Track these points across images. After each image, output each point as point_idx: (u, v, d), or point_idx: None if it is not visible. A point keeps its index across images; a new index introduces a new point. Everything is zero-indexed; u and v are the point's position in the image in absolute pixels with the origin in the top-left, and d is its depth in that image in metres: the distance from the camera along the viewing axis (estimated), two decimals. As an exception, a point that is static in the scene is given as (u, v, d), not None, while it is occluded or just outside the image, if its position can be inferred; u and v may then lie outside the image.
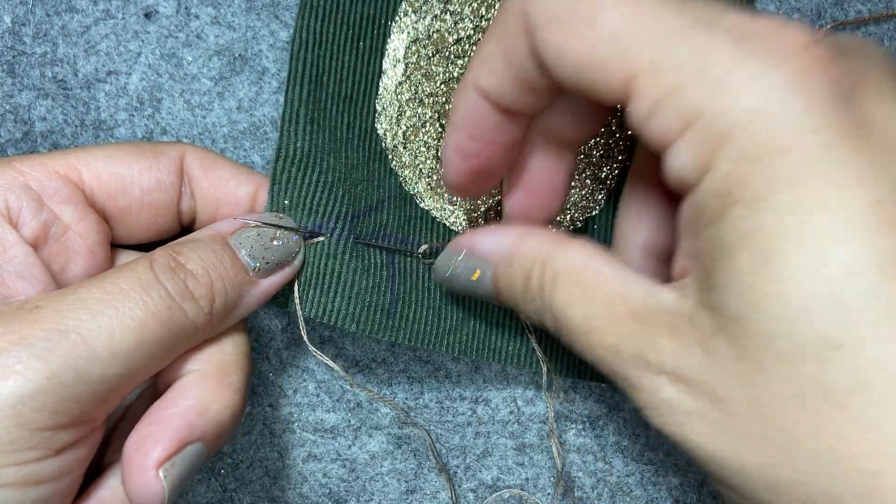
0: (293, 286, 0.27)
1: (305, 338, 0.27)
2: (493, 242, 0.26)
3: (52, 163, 0.24)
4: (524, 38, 0.22)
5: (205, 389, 0.24)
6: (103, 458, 0.25)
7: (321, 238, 0.27)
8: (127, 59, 0.30)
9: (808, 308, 0.18)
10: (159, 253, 0.24)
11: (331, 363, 0.27)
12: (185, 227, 0.27)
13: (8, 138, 0.30)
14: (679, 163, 0.20)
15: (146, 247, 0.27)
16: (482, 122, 0.24)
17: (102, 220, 0.25)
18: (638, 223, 0.26)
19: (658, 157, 0.21)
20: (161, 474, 0.22)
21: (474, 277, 0.26)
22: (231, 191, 0.27)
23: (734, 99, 0.18)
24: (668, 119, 0.19)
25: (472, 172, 0.26)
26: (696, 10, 0.20)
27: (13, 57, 0.30)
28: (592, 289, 0.23)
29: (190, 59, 0.30)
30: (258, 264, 0.25)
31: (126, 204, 0.25)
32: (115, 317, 0.21)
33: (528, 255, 0.24)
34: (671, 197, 0.24)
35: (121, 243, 0.27)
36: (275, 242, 0.26)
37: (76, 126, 0.30)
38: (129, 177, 0.25)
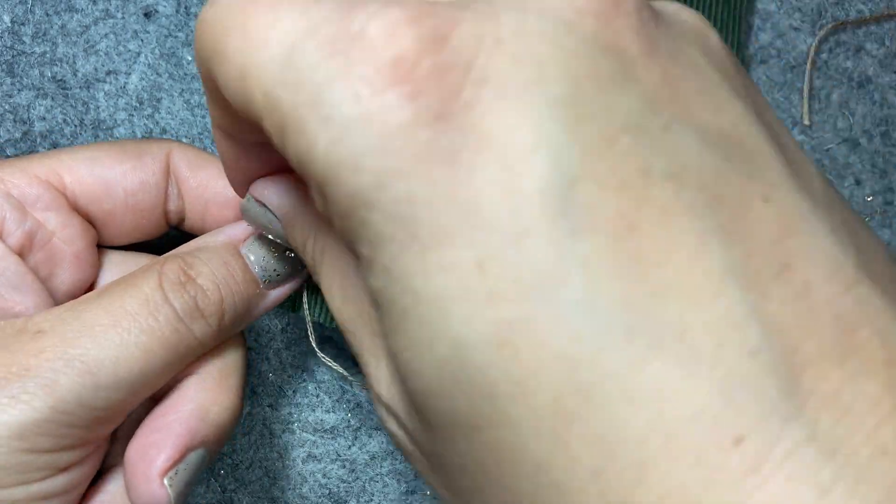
0: (302, 291, 0.27)
1: (315, 345, 0.27)
2: (276, 198, 0.22)
3: (32, 168, 0.24)
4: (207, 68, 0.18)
5: (205, 393, 0.24)
6: (102, 462, 0.25)
7: None
8: (126, 58, 0.30)
9: (439, 384, 0.14)
10: (169, 266, 0.23)
11: (340, 369, 0.27)
12: (173, 227, 0.27)
13: (7, 138, 0.30)
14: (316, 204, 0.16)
15: (133, 247, 0.27)
16: (233, 154, 0.21)
17: (87, 223, 0.25)
18: None
19: None
20: (166, 482, 0.22)
21: (270, 226, 0.23)
22: (220, 190, 0.26)
23: (314, 139, 0.14)
24: (294, 165, 0.15)
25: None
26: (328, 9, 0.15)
27: (12, 56, 0.30)
28: (346, 280, 0.19)
29: (190, 58, 0.30)
30: (269, 277, 0.25)
31: (110, 207, 0.25)
32: (120, 344, 0.21)
33: (304, 224, 0.21)
34: None
35: (107, 245, 0.26)
36: (288, 254, 0.25)
37: (75, 126, 0.30)
38: (112, 179, 0.25)
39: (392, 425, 0.18)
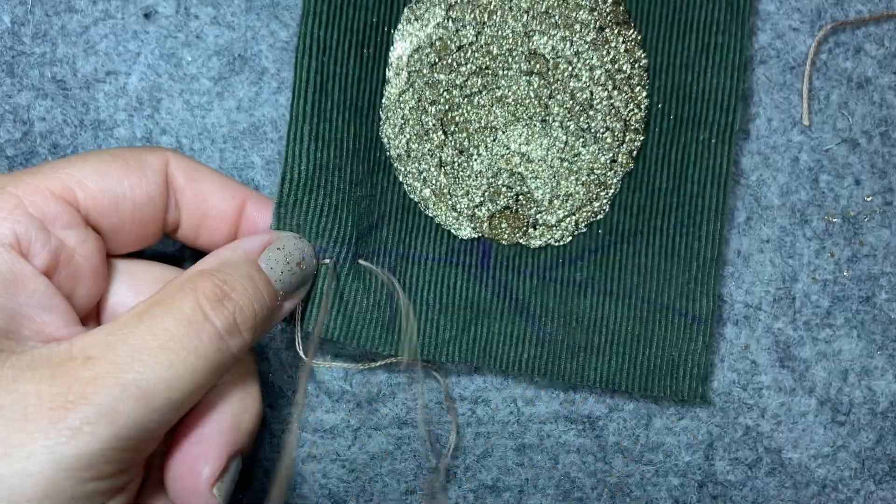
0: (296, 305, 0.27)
1: (301, 352, 0.27)
2: None
3: (45, 184, 0.24)
4: None
5: (233, 402, 0.25)
6: None
7: (327, 261, 0.28)
8: (126, 59, 0.30)
9: None
10: (204, 284, 0.23)
11: (333, 364, 0.27)
12: (167, 236, 0.27)
13: (7, 138, 0.30)
14: None
15: (131, 255, 0.27)
16: None
17: (99, 236, 0.25)
18: None
19: None
20: (215, 492, 0.23)
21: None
22: (216, 204, 0.27)
23: None
24: None
25: None
26: None
27: (12, 57, 0.30)
28: None
29: (189, 59, 0.30)
30: (284, 288, 0.26)
31: (118, 220, 0.25)
32: (170, 367, 0.21)
33: None
34: None
35: (112, 255, 0.26)
36: (302, 267, 0.26)
37: (75, 126, 0.30)
38: (120, 194, 0.25)
39: None
